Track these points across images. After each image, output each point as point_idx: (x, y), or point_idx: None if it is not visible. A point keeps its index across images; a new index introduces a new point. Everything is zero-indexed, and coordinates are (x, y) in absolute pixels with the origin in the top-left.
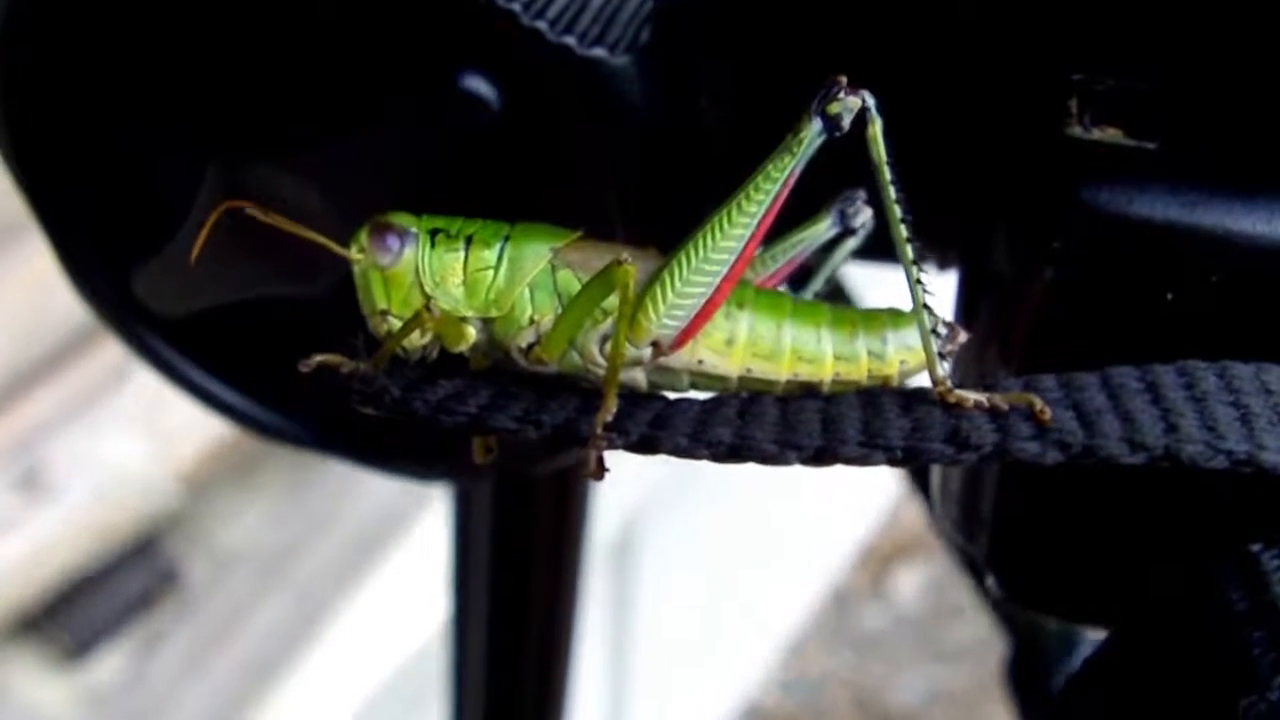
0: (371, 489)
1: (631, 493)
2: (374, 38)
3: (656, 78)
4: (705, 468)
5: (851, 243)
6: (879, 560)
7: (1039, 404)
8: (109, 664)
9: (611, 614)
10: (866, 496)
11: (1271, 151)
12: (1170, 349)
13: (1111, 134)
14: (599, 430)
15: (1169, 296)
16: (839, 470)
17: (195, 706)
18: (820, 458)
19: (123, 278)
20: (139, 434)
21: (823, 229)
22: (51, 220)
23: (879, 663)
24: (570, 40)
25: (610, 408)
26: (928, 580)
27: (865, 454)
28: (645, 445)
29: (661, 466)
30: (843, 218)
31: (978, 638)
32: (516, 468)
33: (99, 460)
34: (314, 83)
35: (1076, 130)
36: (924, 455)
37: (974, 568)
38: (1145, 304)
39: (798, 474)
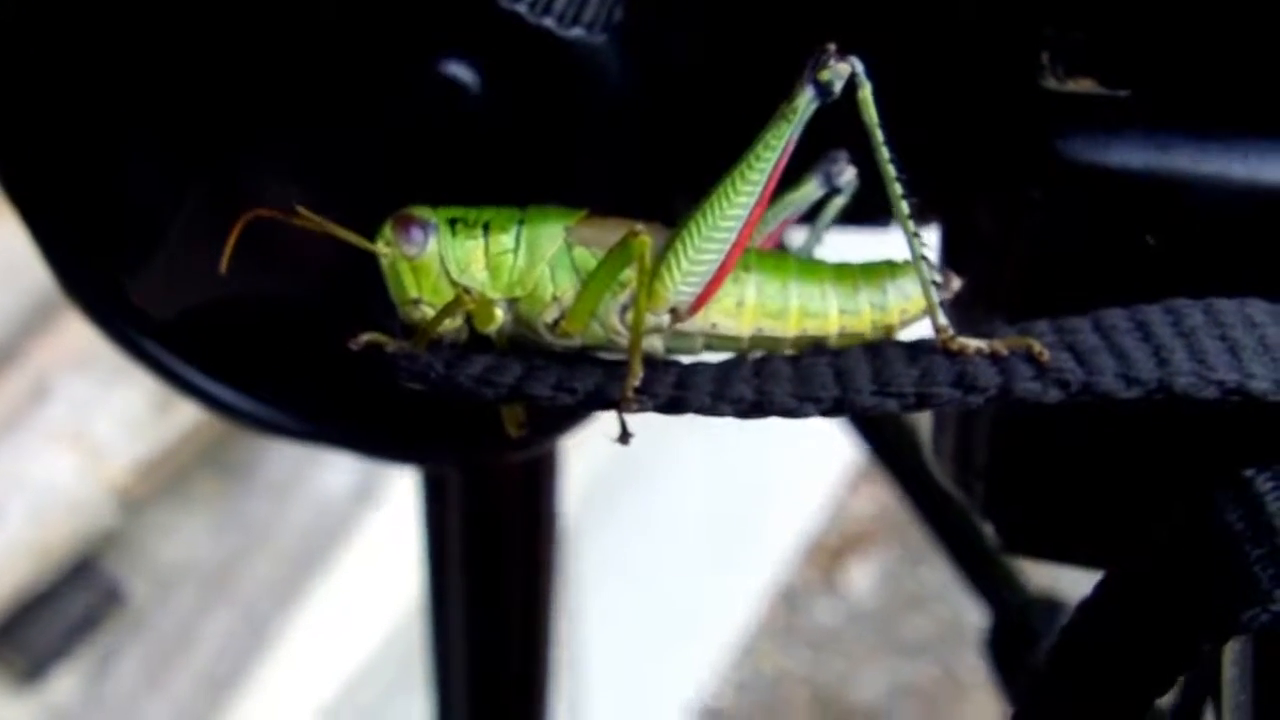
0: (308, 494)
1: (567, 495)
2: (352, 27)
3: (633, 55)
4: (640, 470)
5: (840, 200)
6: (829, 554)
7: (1037, 346)
8: (66, 683)
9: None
10: (810, 489)
11: (1242, 94)
12: (1155, 290)
13: (1084, 85)
14: (629, 393)
15: (1149, 240)
16: (782, 462)
17: None
18: (838, 408)
19: (114, 281)
20: (68, 452)
21: (810, 190)
22: (41, 227)
23: (837, 659)
24: (549, 22)
25: (637, 372)
26: (882, 573)
27: (879, 402)
28: (673, 405)
29: (595, 466)
30: (828, 178)
31: (938, 630)
32: (489, 456)
33: (32, 481)
34: (294, 76)
35: (1050, 83)
36: (934, 400)
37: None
38: (1127, 249)
39: (738, 468)
